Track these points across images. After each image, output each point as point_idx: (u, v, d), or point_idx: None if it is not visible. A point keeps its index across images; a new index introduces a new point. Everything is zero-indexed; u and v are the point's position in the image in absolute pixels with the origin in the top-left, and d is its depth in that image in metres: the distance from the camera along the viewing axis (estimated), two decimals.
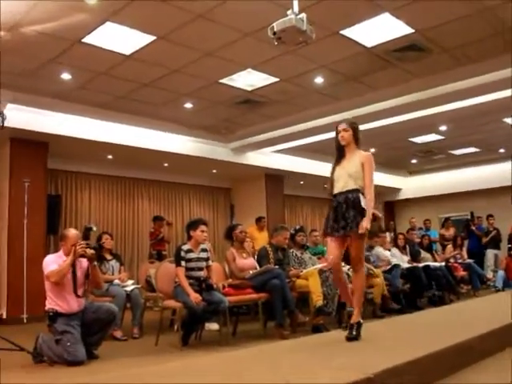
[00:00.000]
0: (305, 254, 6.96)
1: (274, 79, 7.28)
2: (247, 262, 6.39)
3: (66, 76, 6.88)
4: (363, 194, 4.22)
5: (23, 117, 7.47)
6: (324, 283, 6.38)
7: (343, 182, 4.32)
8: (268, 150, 10.87)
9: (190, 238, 5.76)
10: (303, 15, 4.05)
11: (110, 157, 9.90)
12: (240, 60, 6.59)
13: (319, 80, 7.37)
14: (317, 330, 5.96)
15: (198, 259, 5.62)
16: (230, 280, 6.20)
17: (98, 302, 4.97)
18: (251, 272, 6.21)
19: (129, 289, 6.35)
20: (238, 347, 5.23)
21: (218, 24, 5.56)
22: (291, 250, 6.83)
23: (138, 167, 10.68)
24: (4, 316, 7.65)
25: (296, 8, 4.14)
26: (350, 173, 4.30)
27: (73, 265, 4.78)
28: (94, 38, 5.84)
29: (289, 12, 4.13)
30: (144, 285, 6.92)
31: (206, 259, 5.72)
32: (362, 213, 4.13)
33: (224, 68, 6.83)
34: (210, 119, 8.98)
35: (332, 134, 9.36)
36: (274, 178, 12.13)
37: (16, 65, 6.49)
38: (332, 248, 4.36)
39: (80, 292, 4.84)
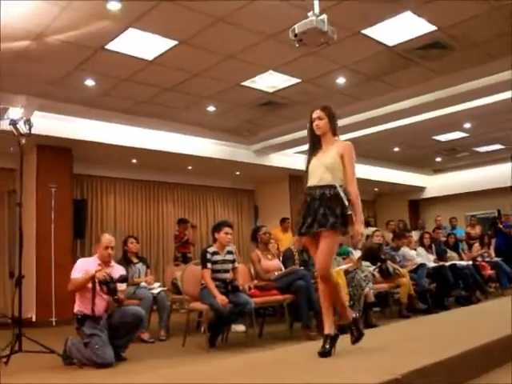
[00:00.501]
0: None
1: (295, 80, 7.29)
2: (272, 264, 6.41)
3: (89, 82, 6.98)
4: (344, 190, 3.75)
5: (49, 124, 7.57)
6: (350, 283, 6.37)
7: (319, 175, 3.81)
8: (291, 151, 10.85)
9: (215, 240, 5.80)
10: (324, 16, 4.05)
11: (134, 161, 10.01)
12: (261, 62, 6.61)
13: (341, 80, 7.35)
14: (343, 330, 5.94)
15: (224, 261, 5.66)
16: (256, 281, 6.22)
17: (126, 307, 5.02)
18: (276, 273, 6.22)
19: (155, 291, 6.41)
20: (264, 349, 5.24)
21: (238, 27, 5.58)
22: None
23: (162, 170, 10.76)
24: (33, 319, 7.77)
25: (317, 9, 4.15)
26: (326, 165, 3.80)
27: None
28: (117, 45, 5.91)
29: (310, 14, 4.13)
30: (170, 287, 6.96)
31: (232, 261, 5.75)
32: (341, 213, 3.66)
33: (245, 70, 6.85)
34: (232, 121, 9.01)
35: (355, 134, 9.51)
36: (298, 179, 12.06)
37: (41, 73, 6.61)
38: (314, 250, 3.83)
39: (99, 308, 4.87)
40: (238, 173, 11.57)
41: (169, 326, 6.47)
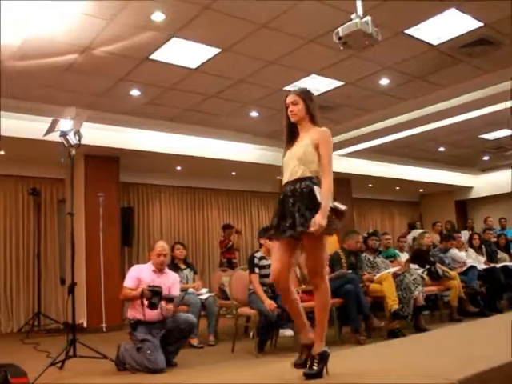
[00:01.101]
0: (377, 257, 6.86)
1: (338, 83, 7.25)
2: None
3: (135, 92, 7.11)
4: (319, 182, 3.28)
5: (96, 134, 7.73)
6: (398, 287, 6.29)
7: (291, 169, 3.37)
8: (334, 154, 10.75)
9: (261, 245, 5.82)
10: (368, 18, 4.02)
11: (178, 168, 10.13)
12: (304, 66, 6.60)
13: (384, 81, 7.27)
14: (393, 334, 5.87)
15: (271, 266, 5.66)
16: (304, 286, 6.20)
17: (177, 313, 5.09)
18: None
19: (203, 297, 6.47)
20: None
21: (281, 32, 5.59)
22: (364, 254, 6.76)
23: (206, 177, 10.86)
24: (85, 325, 7.94)
25: (360, 11, 4.12)
26: (297, 156, 3.36)
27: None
28: (161, 54, 6.00)
29: (353, 16, 4.11)
30: (217, 293, 7.02)
31: None
32: (317, 207, 3.18)
33: (288, 75, 6.85)
34: (275, 126, 8.97)
35: (399, 135, 9.38)
36: (341, 182, 11.98)
37: (89, 85, 6.79)
38: (277, 256, 3.37)
39: (151, 314, 4.92)
40: (279, 177, 11.53)
41: (217, 331, 6.52)
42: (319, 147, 3.35)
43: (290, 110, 3.49)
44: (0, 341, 7.82)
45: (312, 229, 3.08)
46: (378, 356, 4.09)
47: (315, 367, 3.17)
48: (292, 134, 3.52)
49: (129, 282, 5.04)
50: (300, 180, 3.30)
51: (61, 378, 4.53)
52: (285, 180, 3.40)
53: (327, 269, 3.40)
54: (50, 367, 4.56)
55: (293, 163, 3.36)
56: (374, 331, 6.13)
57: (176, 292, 5.22)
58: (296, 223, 3.20)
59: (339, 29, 4.08)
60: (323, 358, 3.20)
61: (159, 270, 5.16)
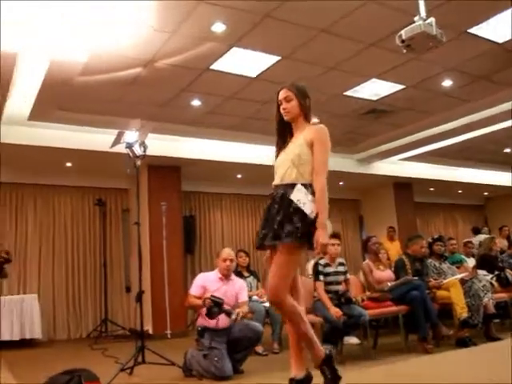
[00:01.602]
0: (443, 263, 6.69)
1: (399, 87, 7.13)
2: (384, 274, 6.27)
3: (196, 103, 7.23)
4: (306, 187, 3.00)
5: (158, 144, 7.89)
6: (467, 293, 6.11)
7: (283, 172, 3.10)
8: (395, 158, 10.62)
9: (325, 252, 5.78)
10: (432, 20, 3.94)
11: (239, 176, 10.20)
12: (364, 71, 6.54)
13: (447, 83, 7.10)
14: (462, 343, 5.70)
15: (336, 273, 5.62)
16: (369, 293, 6.11)
17: (244, 321, 5.12)
18: (389, 284, 6.09)
19: (267, 304, 6.46)
20: (380, 361, 5.15)
21: (341, 37, 5.56)
22: (429, 260, 6.60)
23: (266, 184, 10.78)
24: (150, 332, 8.09)
25: (423, 13, 4.04)
26: (291, 157, 3.08)
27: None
28: (222, 64, 6.08)
29: (416, 18, 4.03)
30: None
31: (344, 273, 5.70)
32: (301, 217, 2.91)
33: (348, 80, 6.81)
34: (335, 132, 8.81)
35: (463, 137, 9.13)
36: (403, 186, 11.82)
37: (152, 96, 6.95)
38: (272, 269, 3.01)
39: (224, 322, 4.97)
40: (341, 183, 11.47)
41: (281, 338, 6.50)
42: (314, 146, 3.08)
43: (282, 107, 3.24)
44: (70, 346, 8.08)
45: (317, 250, 2.86)
46: (446, 365, 3.99)
47: (328, 375, 3.03)
48: (284, 134, 3.30)
49: (194, 289, 5.11)
50: (293, 185, 3.02)
51: (130, 383, 4.64)
52: (275, 182, 3.15)
53: (288, 288, 2.99)
54: (119, 373, 4.69)
55: (286, 165, 3.10)
56: (443, 340, 5.96)
57: (244, 297, 5.26)
58: (269, 235, 2.98)
59: (402, 32, 4.02)
60: (327, 362, 3.05)
61: (225, 276, 5.20)
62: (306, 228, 2.91)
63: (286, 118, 3.23)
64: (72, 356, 6.96)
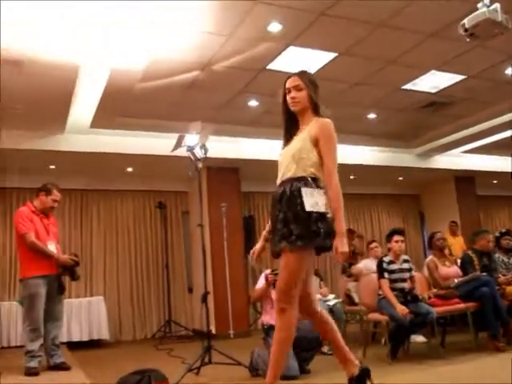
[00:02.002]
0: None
1: (459, 77, 6.93)
2: (451, 271, 6.11)
3: (253, 103, 7.26)
4: (312, 183, 2.81)
5: (217, 146, 7.95)
6: None
7: (284, 168, 2.92)
8: (456, 151, 10.34)
9: (389, 249, 5.70)
10: (497, 5, 3.79)
11: None
12: (423, 63, 6.39)
13: (510, 71, 6.85)
14: None
15: (401, 270, 5.51)
16: (435, 290, 5.98)
17: (308, 321, 5.09)
18: (456, 280, 5.93)
19: (331, 303, 6.42)
20: (449, 360, 5.03)
21: (399, 30, 5.45)
22: (497, 255, 6.40)
23: None
24: (213, 332, 8.18)
25: None
26: (292, 152, 2.88)
27: None
28: (278, 64, 6.08)
29: (479, 5, 3.89)
30: (344, 298, 6.95)
31: (409, 270, 5.58)
32: (305, 216, 2.72)
33: (407, 74, 6.68)
34: (393, 127, 8.82)
35: None
36: (465, 180, 11.48)
37: (210, 99, 7.04)
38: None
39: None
40: (401, 178, 11.27)
41: (346, 336, 6.44)
42: (319, 143, 2.84)
43: (291, 96, 2.95)
44: (136, 346, 8.27)
45: (337, 259, 2.71)
46: None
47: None
48: (291, 127, 3.02)
49: (260, 283, 5.14)
50: (291, 180, 2.82)
51: (198, 383, 4.69)
52: (278, 180, 2.96)
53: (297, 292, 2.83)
54: (187, 373, 4.76)
55: (286, 160, 2.90)
56: None
57: None
58: (275, 237, 2.80)
59: (465, 20, 3.89)
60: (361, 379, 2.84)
61: None
62: (328, 228, 2.75)
63: (293, 108, 2.96)
64: (139, 356, 7.11)
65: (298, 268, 2.78)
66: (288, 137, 3.00)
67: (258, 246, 3.11)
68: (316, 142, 2.84)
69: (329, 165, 2.82)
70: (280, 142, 8.17)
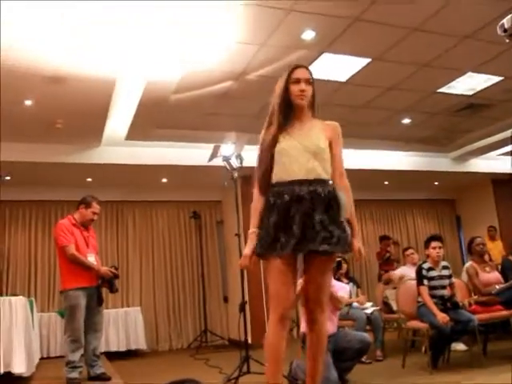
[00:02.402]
0: None
1: (497, 79, 6.79)
2: (491, 276, 5.99)
3: None
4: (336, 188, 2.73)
5: (251, 155, 7.94)
6: None
7: (304, 164, 2.70)
8: (493, 154, 10.15)
9: (427, 256, 5.63)
10: None
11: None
12: (458, 65, 6.29)
13: None
14: None
15: (441, 277, 5.42)
16: (476, 297, 5.86)
17: (352, 331, 5.07)
18: (498, 286, 5.80)
19: (368, 311, 6.35)
20: (491, 369, 4.91)
21: (434, 33, 5.37)
22: None
23: (357, 188, 10.62)
24: (249, 341, 8.16)
25: None
26: (313, 149, 2.71)
27: None
28: (312, 71, 6.04)
29: None
30: (381, 306, 6.87)
31: (449, 276, 5.49)
32: (342, 223, 2.66)
33: (442, 77, 6.58)
34: (428, 131, 8.70)
35: None
36: (503, 183, 11.24)
37: (244, 108, 7.03)
38: (282, 279, 2.71)
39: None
40: (436, 183, 11.12)
41: (384, 345, 6.36)
42: (332, 146, 2.78)
43: (301, 88, 2.78)
44: (173, 356, 8.32)
45: (357, 261, 2.75)
46: None
47: None
48: (287, 119, 2.80)
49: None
50: (321, 182, 2.68)
51: None
52: (290, 177, 2.70)
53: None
54: (226, 383, 4.77)
55: (305, 157, 2.69)
56: None
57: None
58: (317, 238, 2.59)
59: (504, 20, 3.76)
60: None
61: None
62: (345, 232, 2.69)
63: (300, 101, 2.80)
64: (176, 366, 7.15)
65: (331, 272, 2.89)
66: (283, 126, 2.78)
67: (249, 250, 2.89)
68: (330, 143, 2.81)
69: (342, 167, 2.86)
70: None
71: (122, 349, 7.97)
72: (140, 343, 8.14)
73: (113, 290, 5.37)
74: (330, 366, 4.72)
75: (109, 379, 5.15)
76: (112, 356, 7.43)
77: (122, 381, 5.24)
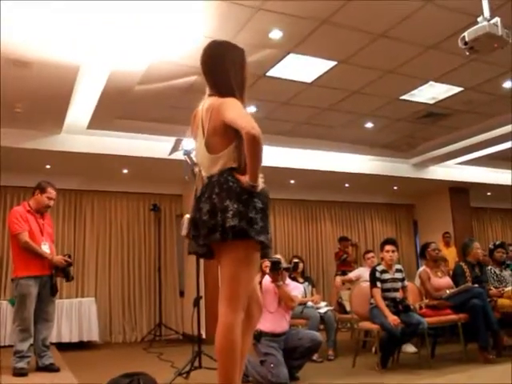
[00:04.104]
0: (504, 271, 6.49)
1: (457, 89, 6.95)
2: (443, 281, 6.15)
3: (251, 109, 7.25)
4: None
5: None
6: None
7: None
8: (452, 163, 10.39)
9: (382, 259, 5.73)
10: (497, 19, 3.80)
11: (292, 181, 10.18)
12: (422, 74, 6.40)
13: (508, 84, 6.86)
14: None
15: (393, 280, 5.54)
16: (427, 300, 6.00)
17: (303, 330, 5.13)
18: (448, 291, 5.95)
19: (322, 311, 6.43)
20: (439, 371, 5.06)
21: (399, 41, 5.46)
22: (489, 267, 6.43)
23: (319, 189, 10.81)
24: (204, 336, 8.15)
25: (487, 13, 3.91)
26: None
27: None
28: (278, 71, 6.08)
29: (480, 19, 3.91)
30: (336, 306, 6.96)
31: (402, 279, 5.61)
32: None
33: (405, 84, 6.69)
34: (390, 136, 8.84)
35: None
36: (460, 191, 11.54)
37: None
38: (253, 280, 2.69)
39: (281, 322, 5.06)
40: (395, 188, 11.31)
41: (336, 345, 6.45)
42: None
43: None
44: (125, 349, 8.23)
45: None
46: (509, 376, 3.84)
47: None
48: None
49: None
50: None
51: None
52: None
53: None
54: (176, 377, 4.76)
55: None
56: (505, 350, 5.79)
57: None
58: None
59: (465, 33, 3.90)
60: None
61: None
62: None
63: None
64: (128, 359, 7.09)
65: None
66: None
67: None
68: None
69: None
70: (276, 149, 8.11)
71: (75, 340, 7.84)
72: (93, 335, 8.03)
73: (68, 278, 5.30)
74: (280, 363, 4.77)
75: (57, 370, 5.07)
76: (64, 347, 7.33)
77: (72, 372, 5.16)
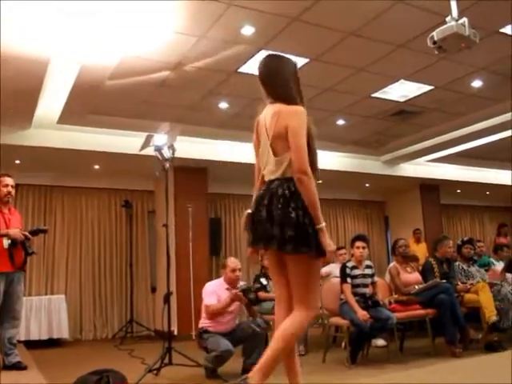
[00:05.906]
0: (472, 266, 6.61)
1: (428, 88, 7.05)
2: (412, 277, 6.23)
3: (223, 105, 7.26)
4: None
5: (185, 146, 7.95)
6: (495, 297, 6.02)
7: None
8: (422, 160, 10.53)
9: (352, 255, 5.78)
10: (464, 20, 3.87)
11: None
12: (393, 72, 6.48)
13: (477, 83, 6.99)
14: (491, 347, 5.62)
15: (363, 276, 5.60)
16: (396, 296, 6.08)
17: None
18: (417, 287, 6.04)
19: None
20: (407, 365, 5.13)
21: (369, 39, 5.52)
22: (457, 263, 6.54)
23: None
24: (175, 333, 8.15)
25: (455, 13, 3.98)
26: None
27: None
28: (249, 67, 6.07)
29: (448, 19, 3.97)
30: None
31: (371, 275, 5.67)
32: None
33: (376, 82, 6.76)
34: (361, 133, 8.92)
35: (491, 138, 8.94)
36: (430, 188, 11.71)
37: (180, 99, 6.98)
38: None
39: (229, 322, 5.13)
40: (367, 185, 11.42)
41: (307, 340, 6.49)
42: None
43: None
44: (96, 346, 8.17)
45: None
46: (475, 369, 3.92)
47: None
48: None
49: (211, 299, 5.06)
50: None
51: None
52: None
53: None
54: (146, 374, 4.75)
55: None
56: (471, 343, 5.91)
57: None
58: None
59: (434, 33, 3.96)
60: None
61: (233, 286, 5.18)
62: None
63: None
64: (99, 356, 7.04)
65: None
66: None
67: None
68: None
69: None
70: (248, 145, 8.17)
71: (44, 337, 7.75)
72: (63, 332, 7.94)
73: (28, 252, 5.11)
74: (218, 338, 4.86)
75: (25, 368, 4.99)
76: (32, 345, 7.22)
77: (40, 370, 5.10)
